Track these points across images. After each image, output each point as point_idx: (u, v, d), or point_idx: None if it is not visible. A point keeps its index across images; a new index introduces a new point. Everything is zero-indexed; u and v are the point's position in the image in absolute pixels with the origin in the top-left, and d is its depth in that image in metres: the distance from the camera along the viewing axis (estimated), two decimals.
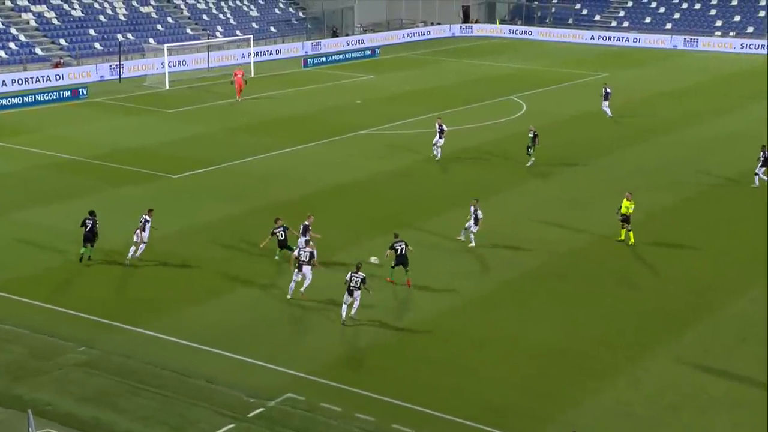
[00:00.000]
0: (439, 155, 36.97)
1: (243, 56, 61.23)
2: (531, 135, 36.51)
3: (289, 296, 23.56)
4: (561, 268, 26.26)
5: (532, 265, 26.39)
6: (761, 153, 33.82)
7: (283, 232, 25.84)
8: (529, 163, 36.36)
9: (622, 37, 75.40)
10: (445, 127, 36.88)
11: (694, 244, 28.09)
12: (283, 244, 25.87)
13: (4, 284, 24.35)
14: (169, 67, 55.03)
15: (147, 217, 26.25)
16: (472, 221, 27.46)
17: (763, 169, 33.76)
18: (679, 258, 27.11)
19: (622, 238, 27.99)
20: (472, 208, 27.51)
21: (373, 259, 25.22)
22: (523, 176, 35.32)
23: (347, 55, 66.56)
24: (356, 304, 22.38)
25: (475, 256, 26.98)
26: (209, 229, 29.05)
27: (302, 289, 23.43)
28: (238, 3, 73.47)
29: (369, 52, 68.32)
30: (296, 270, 23.40)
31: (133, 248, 25.98)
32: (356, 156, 38.02)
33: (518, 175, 35.62)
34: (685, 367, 20.50)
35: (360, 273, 22.33)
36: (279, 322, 22.55)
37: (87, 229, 25.97)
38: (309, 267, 23.41)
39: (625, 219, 27.85)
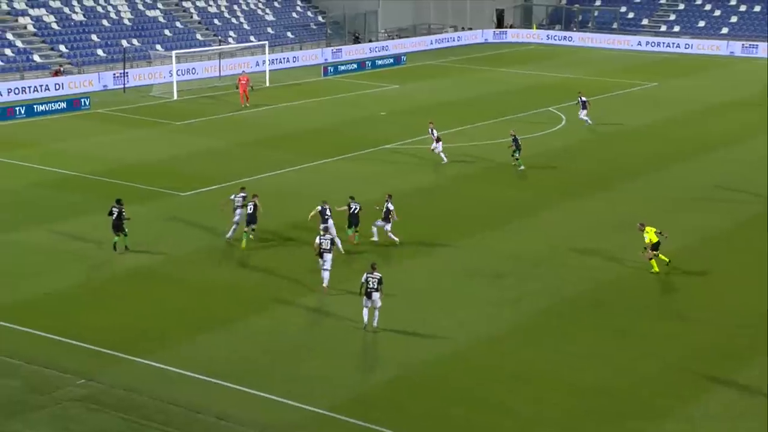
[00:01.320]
0: (445, 159, 38.88)
1: (257, 64, 61.84)
2: (512, 138, 38.33)
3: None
4: (604, 298, 26.20)
5: (572, 294, 26.36)
6: None
7: (251, 207, 28.89)
8: (521, 168, 37.98)
9: (673, 43, 75.33)
10: (436, 133, 39.26)
11: (748, 272, 27.91)
12: (252, 219, 28.88)
13: None
14: (178, 75, 55.67)
15: (243, 195, 29.33)
16: (382, 217, 29.26)
17: None
18: (733, 287, 26.95)
19: (657, 269, 27.61)
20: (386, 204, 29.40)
21: (378, 225, 29.43)
22: (562, 195, 35.31)
23: (370, 63, 67.02)
24: (377, 313, 23.29)
25: (512, 282, 27.00)
26: (219, 251, 29.27)
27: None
28: (252, 6, 74.29)
29: (394, 60, 68.75)
30: (319, 258, 25.46)
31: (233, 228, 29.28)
32: (380, 172, 38.22)
33: (557, 193, 35.62)
34: (743, 406, 20.34)
35: (376, 273, 23.16)
36: (296, 352, 22.69)
37: (114, 217, 28.33)
38: (330, 255, 25.38)
39: (655, 247, 27.51)
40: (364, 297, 23.22)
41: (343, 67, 64.75)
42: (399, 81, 60.56)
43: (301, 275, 27.12)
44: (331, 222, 28.11)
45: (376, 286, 23.04)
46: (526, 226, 31.81)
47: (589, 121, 46.18)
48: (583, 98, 46.32)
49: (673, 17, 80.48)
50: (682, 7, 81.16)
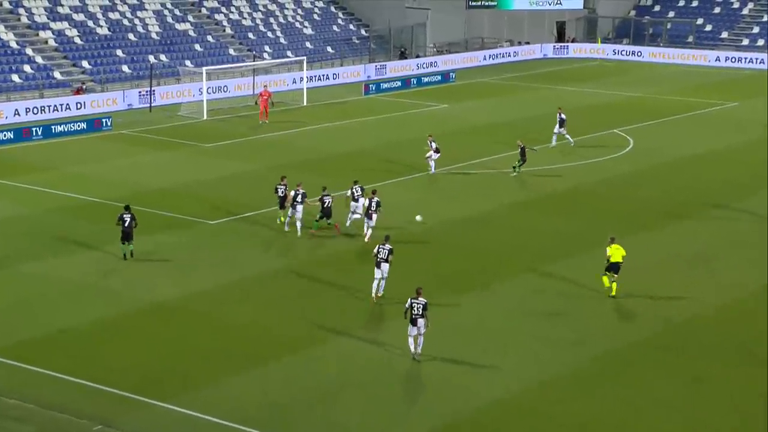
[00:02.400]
0: (433, 170, 41.55)
1: (294, 81, 62.43)
2: (519, 150, 41.24)
3: (373, 296, 27.70)
4: (677, 340, 25.88)
5: (641, 336, 26.06)
6: None
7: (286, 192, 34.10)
8: (513, 174, 41.11)
9: (756, 59, 74.66)
10: (435, 144, 41.51)
11: None
12: (283, 204, 34.01)
13: (10, 349, 24.91)
14: (208, 93, 56.37)
15: (301, 191, 33.32)
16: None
17: None
18: None
19: (614, 293, 28.10)
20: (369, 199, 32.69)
21: (418, 218, 33.41)
22: (628, 226, 35.01)
23: (416, 80, 67.32)
24: (421, 340, 23.92)
25: (571, 322, 26.79)
26: (250, 286, 29.47)
27: (380, 291, 27.61)
28: (290, 19, 75.17)
29: (442, 77, 69.00)
30: (376, 268, 27.62)
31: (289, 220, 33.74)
32: (427, 200, 38.25)
33: (623, 224, 35.32)
34: None
35: (421, 299, 23.90)
36: (333, 396, 22.68)
37: (124, 224, 30.67)
38: (388, 265, 27.51)
39: (614, 268, 28.04)
40: (409, 325, 23.95)
41: (386, 85, 65.15)
42: (448, 100, 60.73)
43: (334, 313, 27.21)
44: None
45: (421, 312, 23.78)
46: (587, 260, 31.55)
47: (571, 140, 46.78)
48: (563, 115, 46.89)
49: (756, 30, 79.78)
50: (766, 18, 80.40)
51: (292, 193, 33.67)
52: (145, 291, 28.79)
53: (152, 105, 56.72)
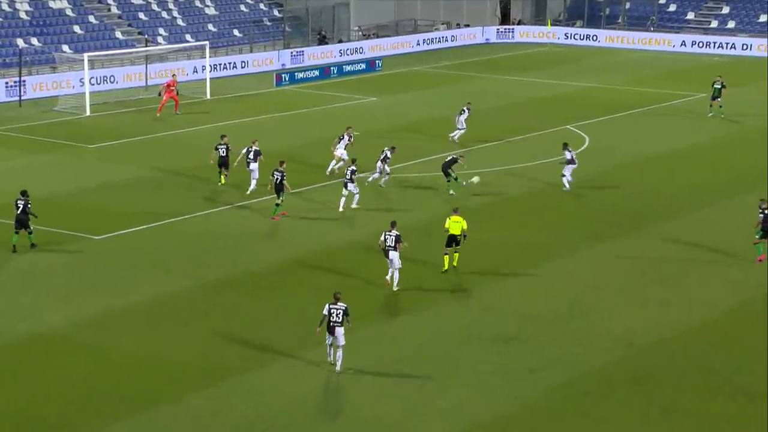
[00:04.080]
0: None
1: (195, 70, 62.11)
2: (447, 162, 40.46)
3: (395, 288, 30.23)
4: (642, 367, 26.16)
5: (601, 363, 26.30)
6: None
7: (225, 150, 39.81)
8: (452, 193, 39.95)
9: (727, 43, 76.35)
10: (347, 137, 42.40)
11: None
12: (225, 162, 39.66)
13: None
14: (92, 85, 55.73)
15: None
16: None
17: None
18: None
19: (446, 267, 31.66)
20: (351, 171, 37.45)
21: (475, 179, 39.55)
22: (587, 237, 35.41)
23: (339, 70, 67.38)
24: (340, 354, 24.87)
25: (524, 348, 26.96)
26: (143, 311, 29.11)
27: (395, 284, 30.04)
28: None
29: (367, 66, 69.19)
30: (386, 258, 29.94)
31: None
32: (373, 209, 38.14)
33: (580, 234, 35.73)
34: None
35: (341, 304, 24.74)
36: None
37: (19, 210, 32.93)
38: (396, 254, 29.72)
39: (452, 241, 31.52)
40: (327, 333, 24.85)
41: (302, 75, 65.12)
42: (376, 92, 60.91)
43: (240, 343, 27.06)
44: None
45: (340, 319, 24.65)
46: (543, 276, 31.83)
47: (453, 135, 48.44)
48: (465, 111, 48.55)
49: (726, 10, 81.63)
50: None
51: (244, 150, 39.04)
52: (17, 319, 28.24)
53: (22, 98, 55.88)
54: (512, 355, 26.68)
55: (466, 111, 48.51)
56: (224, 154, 40.05)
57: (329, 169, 42.29)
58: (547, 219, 37.69)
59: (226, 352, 26.50)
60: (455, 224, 31.50)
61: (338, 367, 25.03)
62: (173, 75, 55.87)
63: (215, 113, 54.65)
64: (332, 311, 24.80)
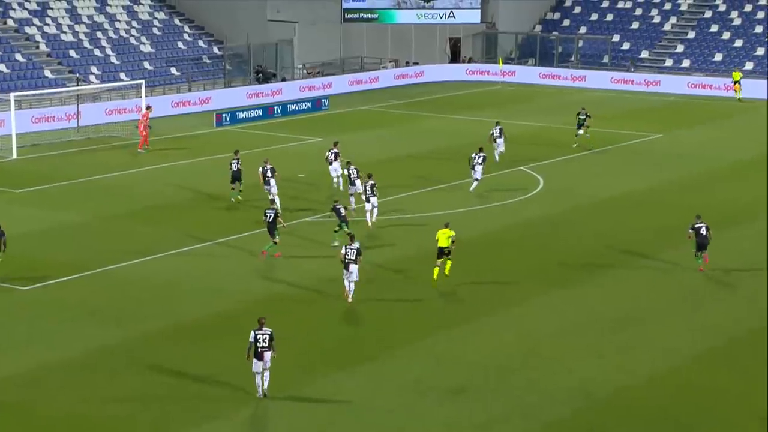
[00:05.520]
0: (339, 183, 45.74)
1: (129, 109, 61.68)
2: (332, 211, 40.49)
3: (349, 300, 32.70)
4: (602, 420, 26.10)
5: (558, 416, 26.19)
6: None
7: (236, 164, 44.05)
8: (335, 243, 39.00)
9: (682, 82, 77.28)
10: (334, 153, 46.02)
11: None
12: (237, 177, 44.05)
13: None
14: (18, 126, 55.18)
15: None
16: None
17: None
18: None
19: (435, 277, 33.85)
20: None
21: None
22: (543, 283, 35.44)
23: (283, 109, 67.38)
24: (267, 375, 25.75)
25: (474, 400, 26.83)
26: (74, 367, 28.68)
27: (350, 297, 32.47)
28: (123, 34, 74.55)
29: (312, 105, 69.26)
30: (344, 270, 32.30)
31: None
32: (296, 257, 38.03)
33: (535, 280, 35.76)
34: None
35: (266, 329, 25.74)
36: None
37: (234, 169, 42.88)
38: (356, 266, 32.04)
39: (441, 253, 33.79)
40: (254, 360, 25.80)
41: (243, 114, 65.03)
42: (321, 132, 60.85)
43: (181, 400, 26.68)
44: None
45: (267, 344, 25.72)
46: (494, 324, 31.79)
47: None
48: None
49: (681, 48, 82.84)
50: (692, 35, 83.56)
51: (260, 169, 42.51)
52: None
53: None
54: (463, 408, 26.49)
55: (498, 131, 52.00)
56: (235, 169, 43.83)
57: (335, 182, 45.88)
58: (500, 263, 37.68)
59: (155, 413, 26.04)
60: (444, 236, 33.73)
61: (266, 385, 25.83)
62: (148, 107, 56.10)
63: (152, 155, 54.28)
64: (258, 337, 25.70)
